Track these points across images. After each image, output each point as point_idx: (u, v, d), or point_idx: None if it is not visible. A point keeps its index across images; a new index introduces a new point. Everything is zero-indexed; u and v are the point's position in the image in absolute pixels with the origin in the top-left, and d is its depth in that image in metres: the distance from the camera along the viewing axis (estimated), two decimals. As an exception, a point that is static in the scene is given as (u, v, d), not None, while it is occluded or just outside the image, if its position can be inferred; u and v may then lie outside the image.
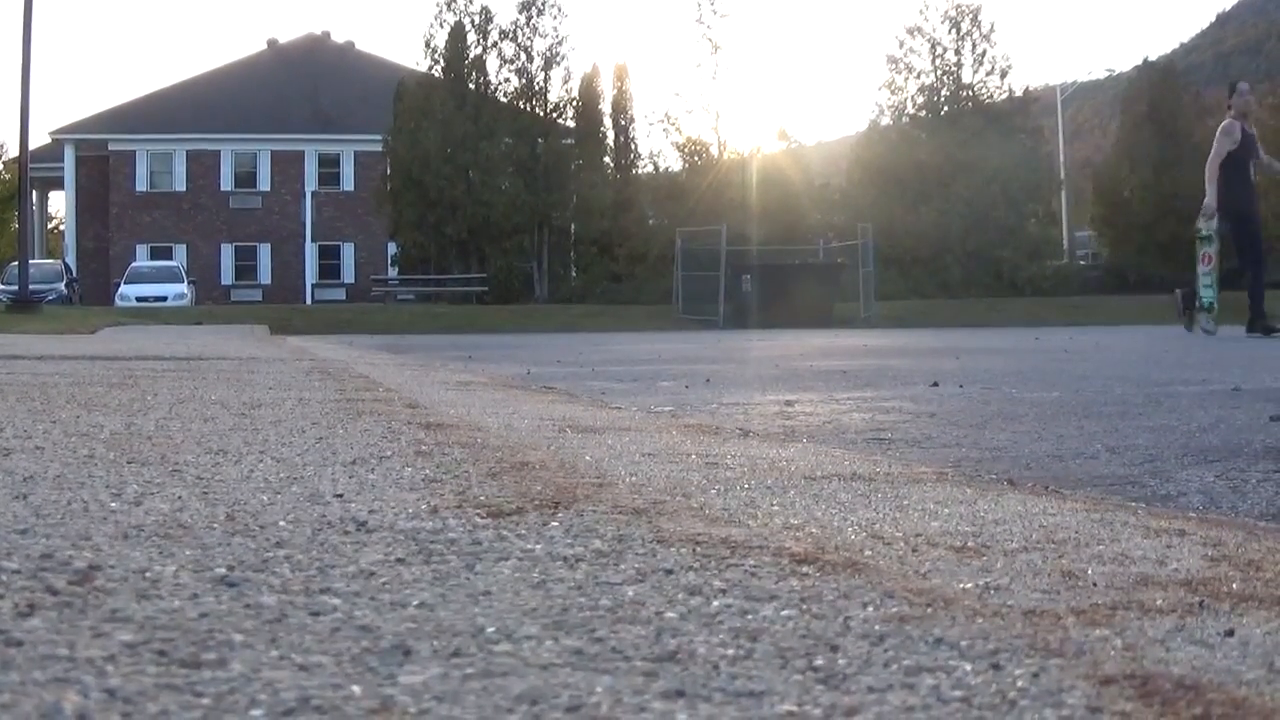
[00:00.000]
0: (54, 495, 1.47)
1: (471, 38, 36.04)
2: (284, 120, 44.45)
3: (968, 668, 0.82)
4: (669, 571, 1.12)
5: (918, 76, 36.63)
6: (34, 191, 38.53)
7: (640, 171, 38.28)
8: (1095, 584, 1.10)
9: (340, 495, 1.53)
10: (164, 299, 32.57)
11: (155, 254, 42.48)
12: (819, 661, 0.84)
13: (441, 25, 36.04)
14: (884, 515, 1.48)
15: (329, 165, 44.97)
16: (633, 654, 0.85)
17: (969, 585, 1.08)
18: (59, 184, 45.61)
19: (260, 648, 0.84)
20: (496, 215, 33.89)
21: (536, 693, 0.76)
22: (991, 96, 36.77)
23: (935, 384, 4.89)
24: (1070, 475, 2.26)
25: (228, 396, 3.21)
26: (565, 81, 36.56)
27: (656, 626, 0.92)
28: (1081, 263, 39.64)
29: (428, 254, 35.00)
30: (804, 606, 0.99)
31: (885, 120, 36.90)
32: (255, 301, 37.97)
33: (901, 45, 36.92)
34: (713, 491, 1.64)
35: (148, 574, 1.06)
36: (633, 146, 38.04)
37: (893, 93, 36.72)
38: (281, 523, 1.32)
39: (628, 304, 29.39)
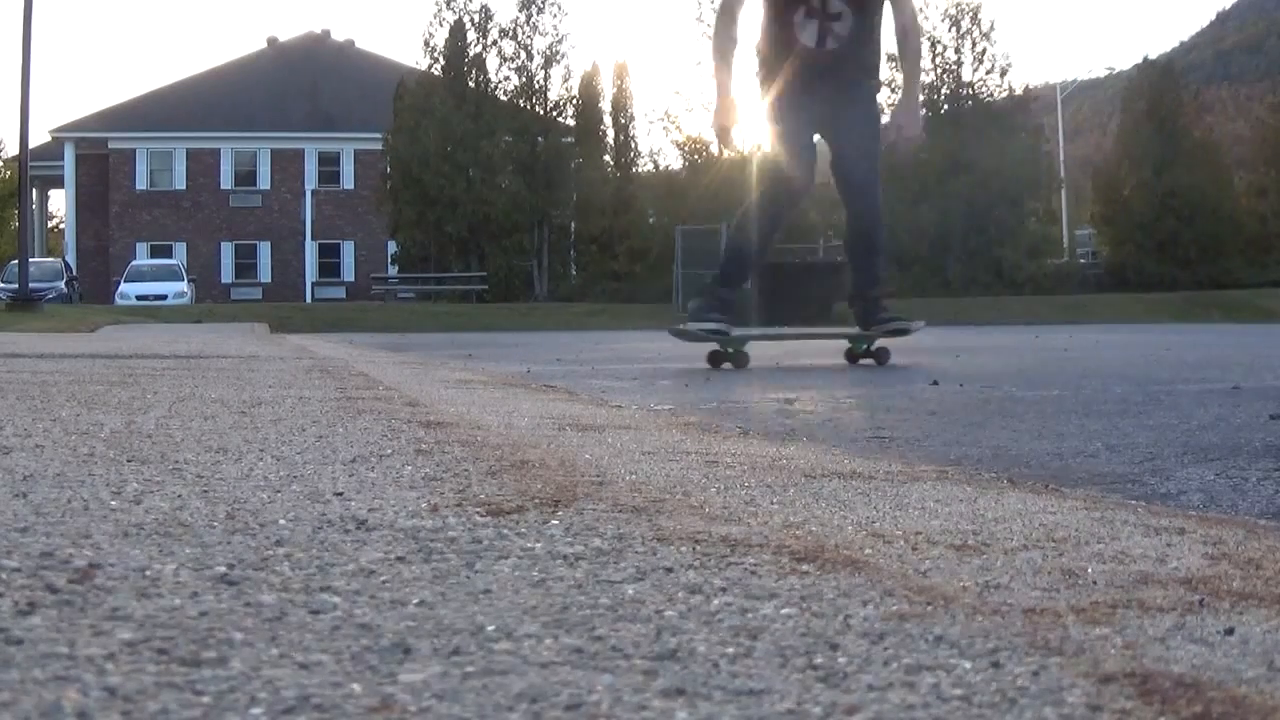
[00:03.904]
0: (54, 493, 1.47)
1: (471, 36, 36.05)
2: (284, 119, 44.46)
3: (968, 666, 0.82)
4: (669, 570, 1.12)
5: (918, 75, 36.63)
6: (34, 190, 38.52)
7: (640, 170, 38.29)
8: (1095, 582, 1.10)
9: (340, 493, 1.53)
10: (164, 297, 32.58)
11: (155, 252, 42.49)
12: (819, 660, 0.84)
13: (441, 23, 36.07)
14: (884, 513, 1.48)
15: (329, 163, 44.97)
16: (633, 652, 0.85)
17: (969, 583, 1.08)
18: (59, 182, 45.62)
19: (260, 646, 0.84)
20: (496, 213, 33.90)
21: (536, 691, 0.76)
22: (991, 95, 36.80)
23: (935, 382, 4.89)
24: (1070, 473, 2.26)
25: (228, 395, 3.21)
26: (565, 80, 36.58)
27: (656, 625, 0.92)
28: (1081, 261, 39.67)
29: (427, 252, 35.01)
30: (804, 605, 0.99)
31: (885, 118, 36.92)
32: (255, 300, 37.97)
33: (901, 43, 36.93)
34: (713, 490, 1.64)
35: (148, 572, 1.06)
36: (633, 145, 38.05)
37: (893, 91, 36.73)
38: (281, 521, 1.32)
39: (627, 302, 29.41)
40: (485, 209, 33.80)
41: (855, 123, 6.06)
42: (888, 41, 6.24)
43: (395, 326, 20.80)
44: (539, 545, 1.22)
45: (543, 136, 34.78)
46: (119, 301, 32.60)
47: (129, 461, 1.80)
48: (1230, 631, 0.92)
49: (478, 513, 1.40)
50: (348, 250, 45.00)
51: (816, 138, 6.24)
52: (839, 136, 6.09)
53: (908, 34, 6.18)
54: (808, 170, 6.07)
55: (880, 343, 6.50)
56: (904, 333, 6.62)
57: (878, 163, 6.28)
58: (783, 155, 6.01)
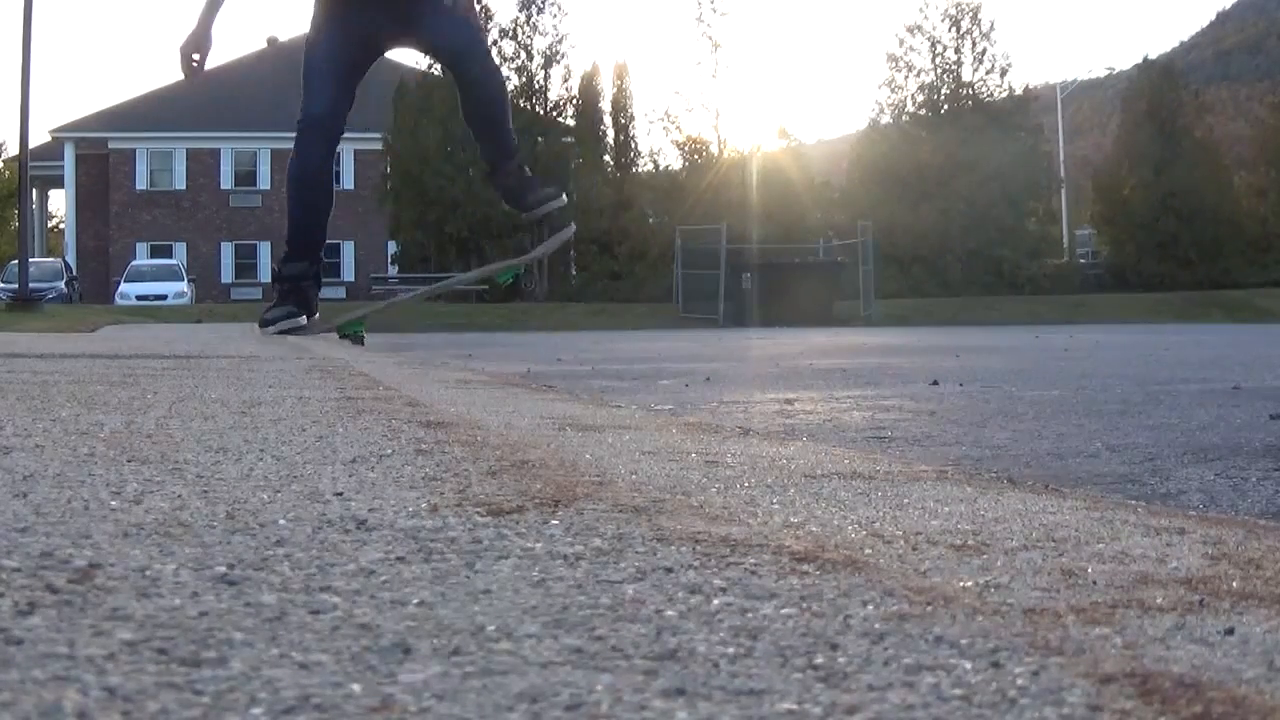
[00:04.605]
0: (54, 493, 1.47)
1: (471, 36, 36.01)
2: (284, 118, 44.30)
3: (967, 666, 0.82)
4: (669, 570, 1.12)
5: (918, 75, 36.64)
6: (34, 190, 38.52)
7: (640, 170, 38.27)
8: (1095, 582, 1.10)
9: (340, 493, 1.52)
10: (164, 297, 32.62)
11: (155, 252, 42.52)
12: (819, 660, 0.84)
13: (441, 23, 36.02)
14: (884, 513, 1.48)
15: (329, 163, 44.92)
16: (633, 652, 0.85)
17: (969, 583, 1.08)
18: (59, 182, 45.62)
19: (260, 646, 0.84)
20: (496, 214, 33.86)
21: (536, 691, 0.76)
22: (991, 95, 36.79)
23: (935, 382, 4.89)
24: (1070, 473, 2.26)
25: (228, 395, 3.21)
26: (565, 80, 36.57)
27: (656, 625, 0.92)
28: (1081, 261, 39.65)
29: (427, 252, 35.01)
30: (804, 605, 0.99)
31: (885, 119, 36.91)
32: (255, 300, 37.96)
33: (902, 44, 36.94)
34: (713, 490, 1.63)
35: (148, 572, 1.06)
36: (633, 145, 38.02)
37: (893, 91, 36.73)
38: (281, 521, 1.32)
39: (628, 302, 29.42)
40: (485, 209, 33.79)
41: (436, 16, 5.33)
42: None
43: (395, 326, 20.79)
44: (539, 545, 1.22)
45: (543, 136, 34.77)
46: (119, 301, 32.63)
47: (129, 461, 1.80)
48: (1230, 631, 0.92)
49: (478, 513, 1.40)
50: (348, 250, 44.97)
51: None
52: (426, 30, 5.42)
53: None
54: (330, 105, 5.53)
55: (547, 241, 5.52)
56: (563, 207, 5.76)
57: (478, 29, 5.58)
58: (307, 89, 5.53)
